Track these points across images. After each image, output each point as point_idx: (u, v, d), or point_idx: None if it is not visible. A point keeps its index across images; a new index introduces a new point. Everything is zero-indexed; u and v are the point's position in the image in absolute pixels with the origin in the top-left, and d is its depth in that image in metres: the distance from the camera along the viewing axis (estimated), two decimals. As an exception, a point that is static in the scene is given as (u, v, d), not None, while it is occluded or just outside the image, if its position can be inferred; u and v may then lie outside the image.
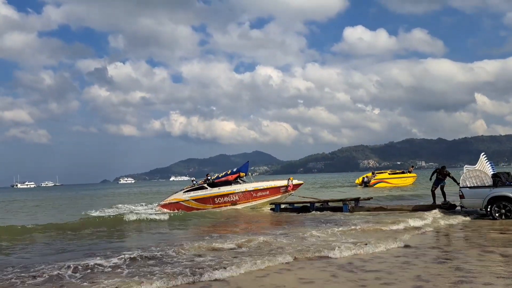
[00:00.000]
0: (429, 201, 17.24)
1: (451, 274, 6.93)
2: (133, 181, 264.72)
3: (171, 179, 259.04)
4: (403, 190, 32.91)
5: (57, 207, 32.05)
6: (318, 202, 19.39)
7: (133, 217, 17.32)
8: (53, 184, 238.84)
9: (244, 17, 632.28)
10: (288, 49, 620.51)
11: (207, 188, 20.98)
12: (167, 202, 21.71)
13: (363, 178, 42.68)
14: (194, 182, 22.59)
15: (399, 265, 7.72)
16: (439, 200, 16.38)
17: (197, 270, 7.60)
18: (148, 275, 7.45)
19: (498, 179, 14.13)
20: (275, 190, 20.75)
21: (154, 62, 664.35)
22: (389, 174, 41.99)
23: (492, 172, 14.83)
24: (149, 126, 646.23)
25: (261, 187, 20.82)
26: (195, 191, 21.12)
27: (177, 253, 9.38)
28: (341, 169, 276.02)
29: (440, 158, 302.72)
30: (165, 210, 21.25)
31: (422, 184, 39.53)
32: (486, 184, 14.07)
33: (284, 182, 20.88)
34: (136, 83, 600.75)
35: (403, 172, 42.93)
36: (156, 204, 23.12)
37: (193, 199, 20.87)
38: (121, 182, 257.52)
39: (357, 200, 18.62)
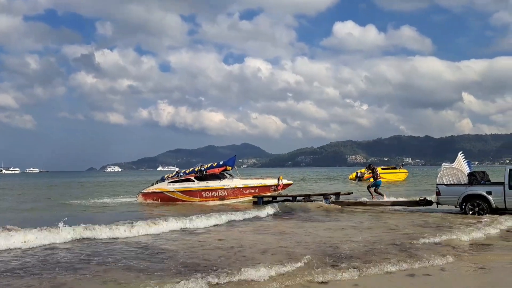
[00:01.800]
0: (410, 197, 17.66)
1: None
2: (119, 170, 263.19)
3: (159, 169, 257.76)
4: (394, 185, 33.75)
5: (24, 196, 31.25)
6: (300, 196, 19.67)
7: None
8: (38, 171, 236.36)
9: (234, 8, 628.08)
10: (278, 41, 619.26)
11: (194, 181, 20.95)
12: (149, 191, 21.62)
13: (357, 173, 43.83)
14: (181, 174, 22.27)
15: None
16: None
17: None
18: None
19: (473, 178, 14.57)
20: (264, 188, 20.76)
21: (142, 50, 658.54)
22: (381, 169, 43.39)
23: (469, 171, 15.25)
24: (137, 114, 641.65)
25: (251, 185, 20.80)
26: (181, 183, 21.06)
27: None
28: (329, 164, 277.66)
29: (427, 156, 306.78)
30: (146, 199, 21.26)
31: (412, 181, 40.50)
32: (462, 182, 14.50)
33: (274, 181, 20.86)
34: (124, 71, 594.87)
35: (394, 168, 44.49)
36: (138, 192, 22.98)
37: (179, 191, 20.86)
38: (107, 170, 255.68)
39: (337, 194, 18.96)
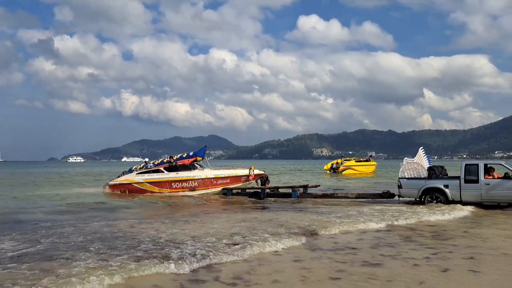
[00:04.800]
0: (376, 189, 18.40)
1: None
2: (82, 160, 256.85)
3: (123, 159, 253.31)
4: (364, 178, 35.16)
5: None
6: (269, 188, 20.03)
7: None
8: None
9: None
10: (243, 33, 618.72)
11: (163, 172, 20.65)
12: (117, 182, 21.25)
13: (332, 164, 45.10)
14: (150, 164, 21.74)
15: None
16: None
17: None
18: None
19: (432, 172, 15.41)
20: (236, 179, 20.56)
21: (103, 37, 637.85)
22: (355, 161, 45.74)
23: (428, 165, 16.09)
24: (99, 104, 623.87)
25: (222, 175, 20.61)
26: (150, 174, 20.76)
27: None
28: (295, 157, 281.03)
29: (390, 150, 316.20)
30: (114, 190, 21.02)
31: (378, 173, 42.27)
32: (422, 176, 15.32)
33: (246, 172, 20.64)
34: (84, 58, 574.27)
35: (366, 161, 47.10)
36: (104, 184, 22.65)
37: (148, 182, 20.54)
38: (69, 161, 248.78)
39: (305, 187, 19.47)
